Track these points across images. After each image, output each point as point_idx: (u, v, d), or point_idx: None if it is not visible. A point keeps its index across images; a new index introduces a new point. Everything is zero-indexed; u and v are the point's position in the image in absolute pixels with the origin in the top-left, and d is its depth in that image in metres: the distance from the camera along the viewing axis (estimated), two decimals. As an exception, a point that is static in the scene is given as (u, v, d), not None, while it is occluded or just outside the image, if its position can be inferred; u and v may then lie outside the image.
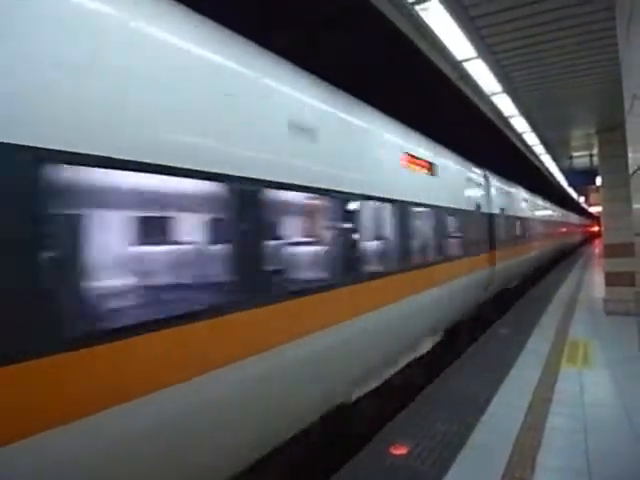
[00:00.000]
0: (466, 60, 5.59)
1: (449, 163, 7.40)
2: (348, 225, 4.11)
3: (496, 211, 10.17)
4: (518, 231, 12.84)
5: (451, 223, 7.03)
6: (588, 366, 6.05)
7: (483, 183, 9.43)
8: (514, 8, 4.31)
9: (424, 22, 4.55)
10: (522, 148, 11.95)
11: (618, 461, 3.58)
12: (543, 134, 10.25)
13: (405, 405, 5.09)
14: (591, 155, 12.91)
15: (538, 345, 7.22)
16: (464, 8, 4.34)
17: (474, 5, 4.25)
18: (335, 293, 3.82)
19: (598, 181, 12.44)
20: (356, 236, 4.23)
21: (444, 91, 7.80)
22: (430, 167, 6.26)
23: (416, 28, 4.69)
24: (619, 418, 4.35)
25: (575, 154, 13.48)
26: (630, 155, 2.57)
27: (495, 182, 10.58)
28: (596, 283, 14.15)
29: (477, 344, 7.62)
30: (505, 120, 8.64)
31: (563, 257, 25.86)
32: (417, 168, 5.81)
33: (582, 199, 31.04)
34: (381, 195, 4.77)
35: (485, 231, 9.15)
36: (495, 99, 7.19)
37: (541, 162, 14.92)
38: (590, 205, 31.17)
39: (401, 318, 5.01)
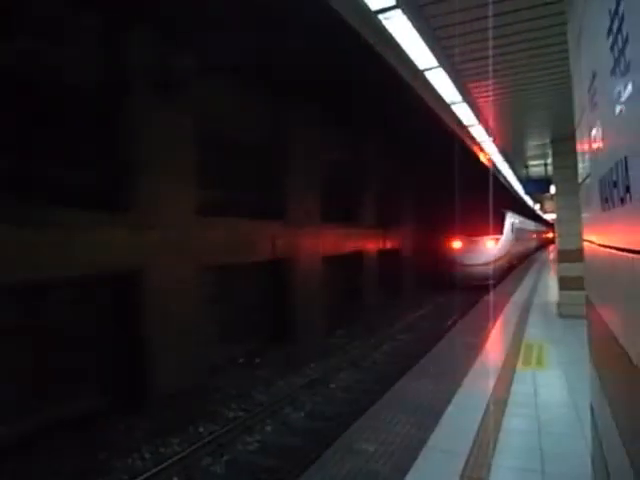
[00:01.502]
0: (428, 69, 5.72)
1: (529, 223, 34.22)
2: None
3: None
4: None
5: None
6: (542, 368, 6.27)
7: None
8: (469, 22, 4.45)
9: (387, 30, 4.63)
10: (482, 157, 12.28)
11: (570, 460, 3.71)
12: (501, 143, 10.58)
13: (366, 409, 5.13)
14: (545, 164, 13.41)
15: (495, 348, 7.44)
16: (426, 19, 4.44)
17: (434, 16, 4.36)
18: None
19: (552, 189, 12.92)
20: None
21: (407, 99, 7.93)
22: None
23: (379, 35, 4.76)
24: (570, 418, 4.52)
25: (531, 163, 13.98)
26: (580, 165, 2.69)
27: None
28: (551, 287, 14.68)
29: (436, 349, 7.76)
30: (465, 129, 8.87)
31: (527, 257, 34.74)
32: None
33: (537, 206, 32.11)
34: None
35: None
36: (455, 108, 7.37)
37: (499, 170, 15.37)
38: (545, 212, 32.34)
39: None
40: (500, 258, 20.94)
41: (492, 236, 20.80)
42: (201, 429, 6.73)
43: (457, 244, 20.49)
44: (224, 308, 10.25)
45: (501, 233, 21.47)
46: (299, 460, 5.62)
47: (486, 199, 16.83)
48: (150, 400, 7.47)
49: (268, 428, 6.82)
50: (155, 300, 7.86)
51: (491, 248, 20.68)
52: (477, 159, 12.53)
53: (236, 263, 10.30)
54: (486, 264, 19.58)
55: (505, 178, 17.62)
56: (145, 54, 7.90)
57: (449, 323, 13.22)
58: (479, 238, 20.78)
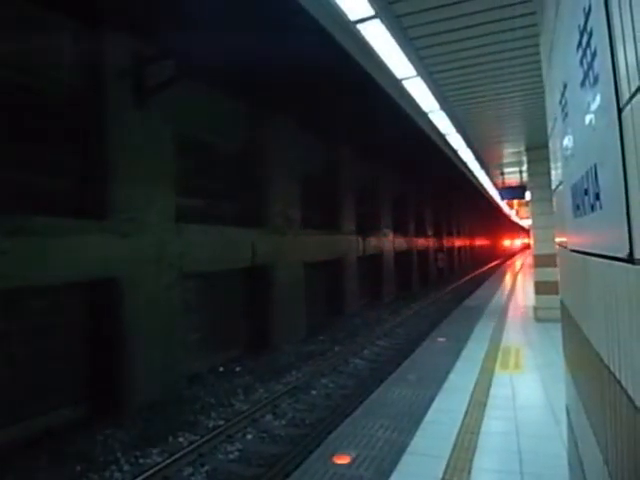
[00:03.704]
0: (406, 78, 5.82)
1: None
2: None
3: None
4: None
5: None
6: (519, 371, 6.39)
7: None
8: (445, 32, 4.57)
9: (365, 40, 4.70)
10: (459, 164, 12.49)
11: (547, 460, 3.79)
12: (477, 151, 10.78)
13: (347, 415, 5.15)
14: (521, 171, 13.70)
15: (473, 352, 7.54)
16: (403, 29, 4.53)
17: (412, 27, 4.46)
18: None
19: (528, 196, 13.21)
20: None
21: (384, 108, 8.06)
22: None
23: (359, 46, 4.83)
24: (547, 419, 4.62)
25: (507, 170, 14.27)
26: (553, 173, 2.79)
27: None
28: (527, 292, 14.95)
29: (416, 354, 7.84)
30: (442, 137, 9.03)
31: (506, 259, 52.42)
32: None
33: (513, 212, 32.72)
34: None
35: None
36: (432, 116, 7.51)
37: (476, 177, 15.64)
38: (521, 218, 32.94)
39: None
40: (519, 246, 71.05)
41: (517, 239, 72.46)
42: (181, 439, 6.64)
43: (506, 242, 54.57)
44: (204, 316, 10.17)
45: (519, 237, 70.66)
46: (281, 468, 5.60)
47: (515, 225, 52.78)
48: (128, 410, 7.35)
49: (249, 436, 6.77)
50: (133, 308, 7.76)
51: (517, 244, 72.06)
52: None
53: (216, 270, 10.24)
54: (516, 248, 70.27)
55: (482, 185, 17.95)
56: (121, 57, 7.85)
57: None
58: (513, 240, 71.74)
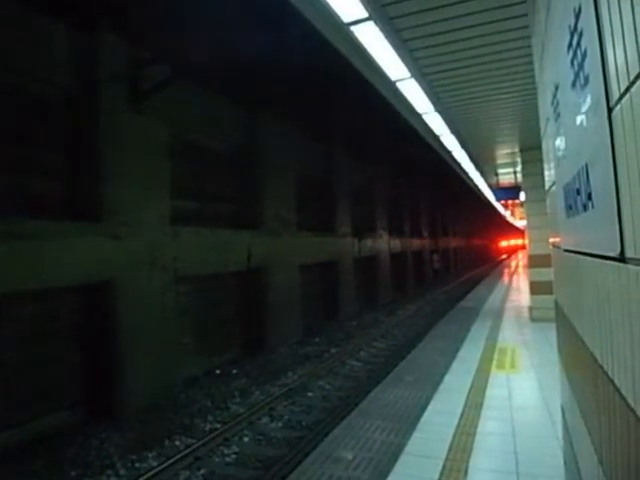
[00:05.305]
0: (400, 80, 5.83)
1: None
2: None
3: None
4: None
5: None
6: (515, 371, 6.40)
7: None
8: (438, 34, 4.59)
9: (359, 42, 4.71)
10: (453, 165, 12.53)
11: (543, 460, 3.80)
12: (472, 152, 10.81)
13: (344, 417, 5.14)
14: (515, 172, 13.75)
15: (469, 352, 7.55)
16: (397, 31, 4.55)
17: (405, 29, 4.47)
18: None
19: (522, 196, 13.25)
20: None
21: (380, 110, 8.09)
22: None
23: (353, 47, 4.84)
24: (543, 419, 4.63)
25: (501, 171, 14.32)
26: (546, 173, 2.80)
27: None
28: (522, 292, 14.99)
29: (411, 355, 7.84)
30: (437, 138, 9.05)
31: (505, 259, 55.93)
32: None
33: (508, 213, 32.83)
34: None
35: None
36: (426, 117, 7.52)
37: (470, 178, 15.68)
38: (520, 219, 33.02)
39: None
40: (514, 247, 71.57)
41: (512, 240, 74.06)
42: (177, 442, 6.62)
43: (502, 243, 65.75)
44: (200, 318, 10.14)
45: (514, 238, 69.95)
46: (278, 470, 5.59)
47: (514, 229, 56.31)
48: (124, 414, 7.32)
49: (246, 439, 6.75)
50: (128, 311, 7.73)
51: (512, 244, 73.68)
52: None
53: (212, 273, 10.22)
54: (511, 248, 73.09)
55: (476, 186, 18.00)
56: (116, 60, 7.83)
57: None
58: (508, 240, 74.60)
